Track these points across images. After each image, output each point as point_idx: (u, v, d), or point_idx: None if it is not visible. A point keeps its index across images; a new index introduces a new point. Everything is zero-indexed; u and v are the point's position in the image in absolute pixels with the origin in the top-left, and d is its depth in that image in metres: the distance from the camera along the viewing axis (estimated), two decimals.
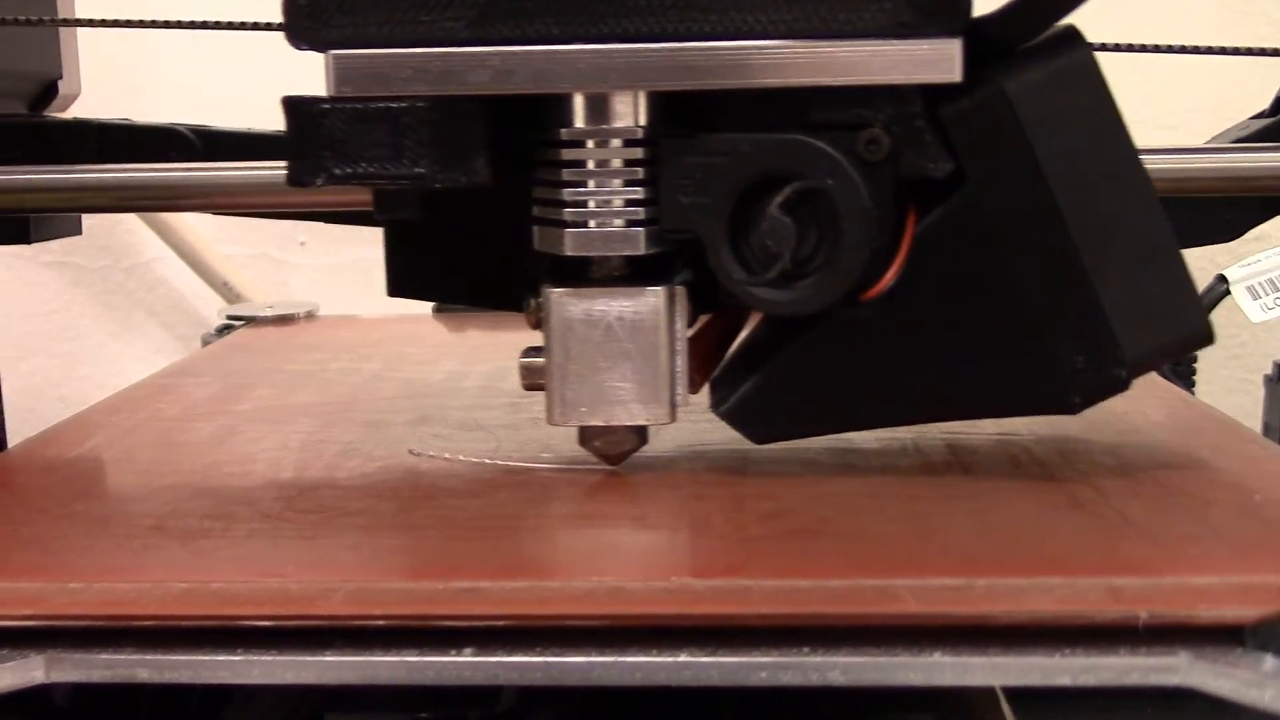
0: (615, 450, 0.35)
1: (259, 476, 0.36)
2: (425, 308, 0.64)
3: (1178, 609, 0.27)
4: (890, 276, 0.33)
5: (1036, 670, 0.27)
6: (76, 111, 0.53)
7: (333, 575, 0.28)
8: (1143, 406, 0.43)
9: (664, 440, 0.39)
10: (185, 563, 0.29)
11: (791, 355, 0.34)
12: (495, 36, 0.31)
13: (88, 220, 0.54)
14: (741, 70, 0.31)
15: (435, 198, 0.33)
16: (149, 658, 0.28)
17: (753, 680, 0.27)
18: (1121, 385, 0.34)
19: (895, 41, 0.31)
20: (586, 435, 0.35)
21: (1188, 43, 0.43)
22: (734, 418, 0.35)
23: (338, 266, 0.81)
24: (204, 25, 0.44)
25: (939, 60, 0.31)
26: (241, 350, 0.57)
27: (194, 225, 0.79)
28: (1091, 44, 0.33)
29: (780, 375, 0.34)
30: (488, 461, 0.37)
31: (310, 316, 0.64)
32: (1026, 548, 0.30)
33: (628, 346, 0.33)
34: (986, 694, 0.33)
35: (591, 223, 0.33)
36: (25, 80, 0.51)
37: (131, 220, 0.79)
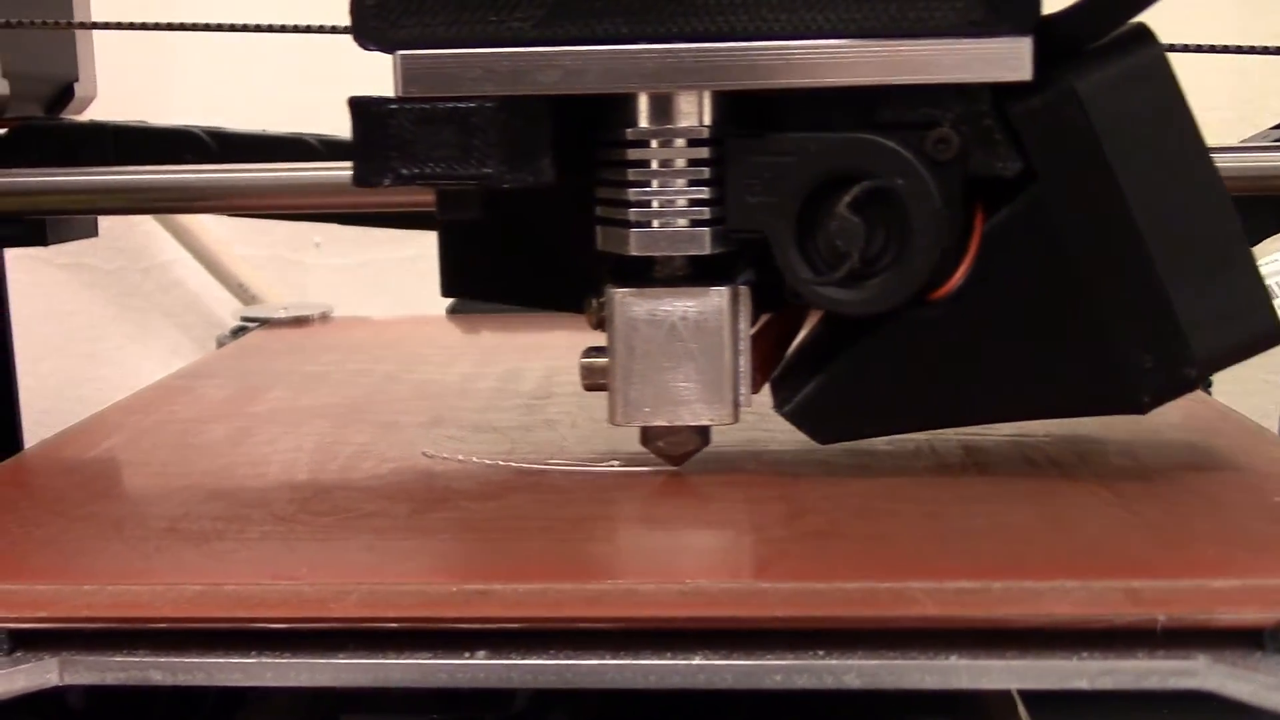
0: (679, 451, 0.35)
1: (273, 478, 0.36)
2: (438, 309, 0.64)
3: (1196, 612, 0.27)
4: (960, 276, 0.33)
5: (1053, 673, 0.27)
6: (92, 114, 0.53)
7: (346, 578, 0.28)
8: (1160, 407, 0.42)
9: None
10: (199, 565, 0.29)
11: (856, 355, 0.34)
12: (563, 36, 0.31)
13: (104, 222, 0.54)
14: (812, 69, 0.31)
15: (495, 198, 0.33)
16: (163, 660, 0.28)
17: (767, 683, 0.27)
18: (1191, 385, 0.33)
19: (966, 40, 0.31)
20: (649, 435, 0.35)
21: (1204, 41, 0.43)
22: (798, 418, 0.35)
23: (352, 267, 0.81)
24: (220, 28, 0.44)
25: (1010, 59, 0.31)
26: (256, 352, 0.57)
27: (210, 227, 0.79)
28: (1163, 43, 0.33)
29: (844, 375, 0.34)
30: (501, 463, 0.37)
31: (325, 318, 0.64)
32: (1043, 550, 0.29)
33: (692, 346, 0.33)
34: (1003, 697, 0.33)
35: (656, 222, 0.33)
36: (42, 83, 0.51)
37: (147, 222, 0.79)
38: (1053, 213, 0.32)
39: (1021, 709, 0.32)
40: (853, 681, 0.27)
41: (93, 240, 0.53)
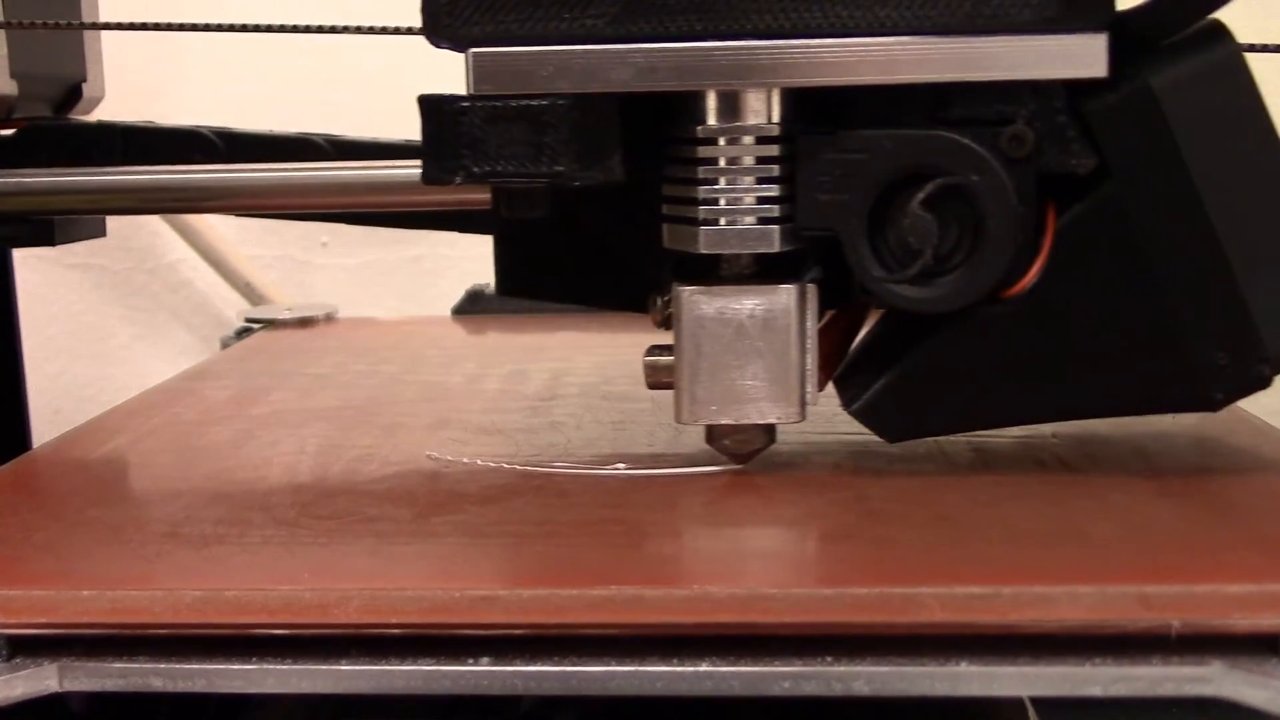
0: (745, 449, 0.35)
1: (275, 482, 0.35)
2: (445, 308, 0.64)
3: (1211, 617, 0.26)
4: (1034, 273, 0.33)
5: (1066, 680, 0.26)
6: (101, 114, 0.52)
7: (348, 583, 0.28)
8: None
9: (691, 438, 0.39)
10: (199, 570, 0.29)
11: (926, 352, 0.34)
12: (637, 34, 0.31)
13: (112, 222, 0.54)
14: (888, 66, 0.31)
15: (559, 196, 0.33)
16: (162, 666, 0.27)
17: (775, 690, 0.27)
18: (1264, 382, 0.33)
19: (1041, 36, 0.31)
20: (715, 434, 0.35)
21: None
22: (866, 415, 0.35)
23: (359, 267, 0.81)
24: (230, 28, 0.43)
25: (1085, 55, 0.31)
26: (260, 353, 0.57)
27: (217, 227, 0.79)
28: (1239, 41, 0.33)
29: (914, 372, 0.34)
30: (505, 466, 0.37)
31: (329, 319, 0.64)
32: (1055, 554, 0.29)
33: (759, 344, 0.33)
34: (1015, 704, 0.32)
35: (725, 220, 0.33)
36: (50, 83, 0.51)
37: (155, 222, 0.79)
38: (1127, 210, 0.32)
39: (1033, 716, 0.32)
40: (861, 688, 0.26)
41: (101, 240, 0.53)
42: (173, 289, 0.82)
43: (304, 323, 0.63)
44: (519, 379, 0.49)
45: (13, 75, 0.46)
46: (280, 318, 0.63)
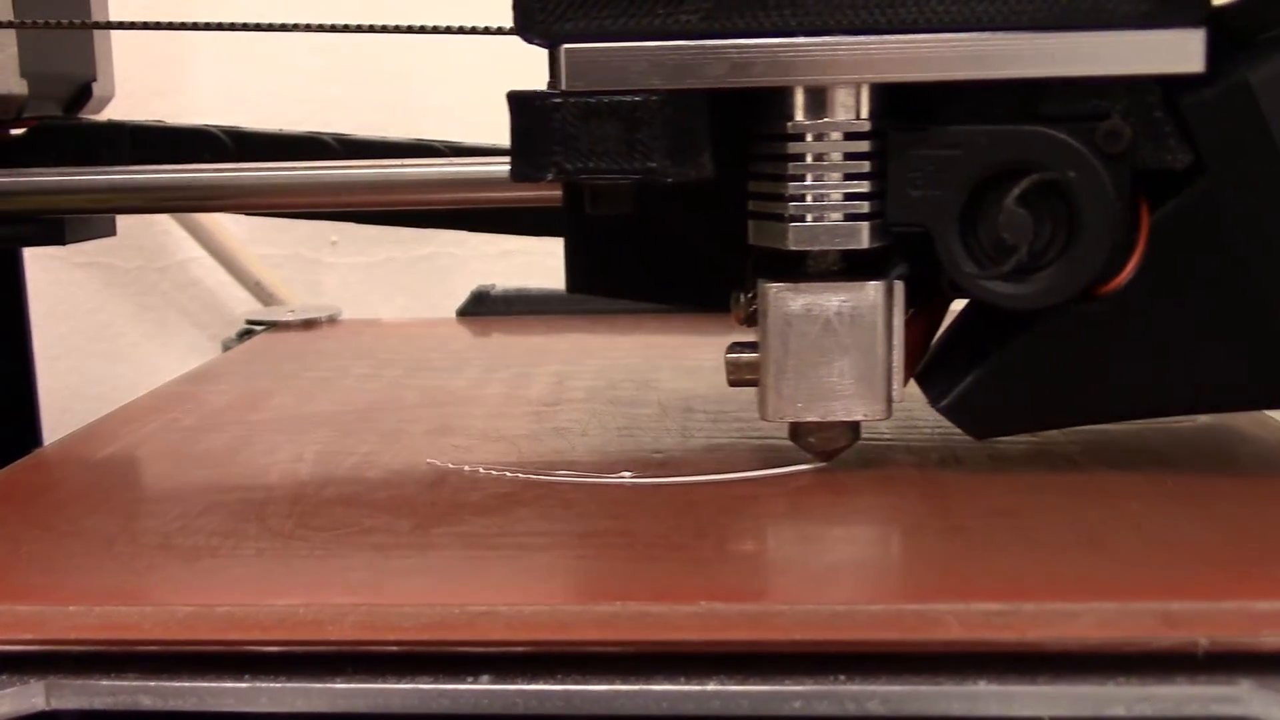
0: (830, 447, 0.35)
1: (271, 491, 0.35)
2: (453, 308, 0.63)
3: (1239, 635, 0.25)
4: (1130, 270, 0.33)
5: (1088, 700, 0.25)
6: (110, 114, 0.52)
7: (344, 597, 0.27)
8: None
9: (698, 445, 0.38)
10: (191, 584, 0.28)
11: (1017, 349, 0.34)
12: (730, 29, 0.31)
13: (122, 221, 0.54)
14: (984, 62, 0.31)
15: (644, 193, 0.34)
16: (152, 684, 0.26)
17: (785, 710, 0.26)
18: None
19: (1138, 32, 0.31)
20: (800, 431, 0.35)
21: None
22: (954, 412, 0.34)
23: (369, 266, 0.81)
24: (242, 27, 0.43)
25: (1181, 51, 0.31)
26: (261, 356, 0.56)
27: (227, 226, 0.79)
28: None
29: (1004, 369, 0.34)
30: (508, 475, 0.36)
31: (333, 321, 0.63)
32: (1075, 568, 0.28)
33: (846, 341, 0.33)
34: None
35: (815, 217, 0.33)
36: (60, 83, 0.51)
37: (165, 221, 0.79)
38: (1223, 205, 0.32)
39: None
40: (876, 708, 0.25)
41: (111, 239, 0.54)
42: (182, 288, 0.82)
43: (307, 325, 0.62)
44: (523, 383, 0.48)
45: (23, 75, 0.46)
46: (283, 319, 0.62)
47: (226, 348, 0.61)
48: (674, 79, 0.32)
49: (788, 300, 0.33)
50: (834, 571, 0.29)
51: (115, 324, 0.82)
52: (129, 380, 0.80)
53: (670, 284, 0.39)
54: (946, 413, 0.35)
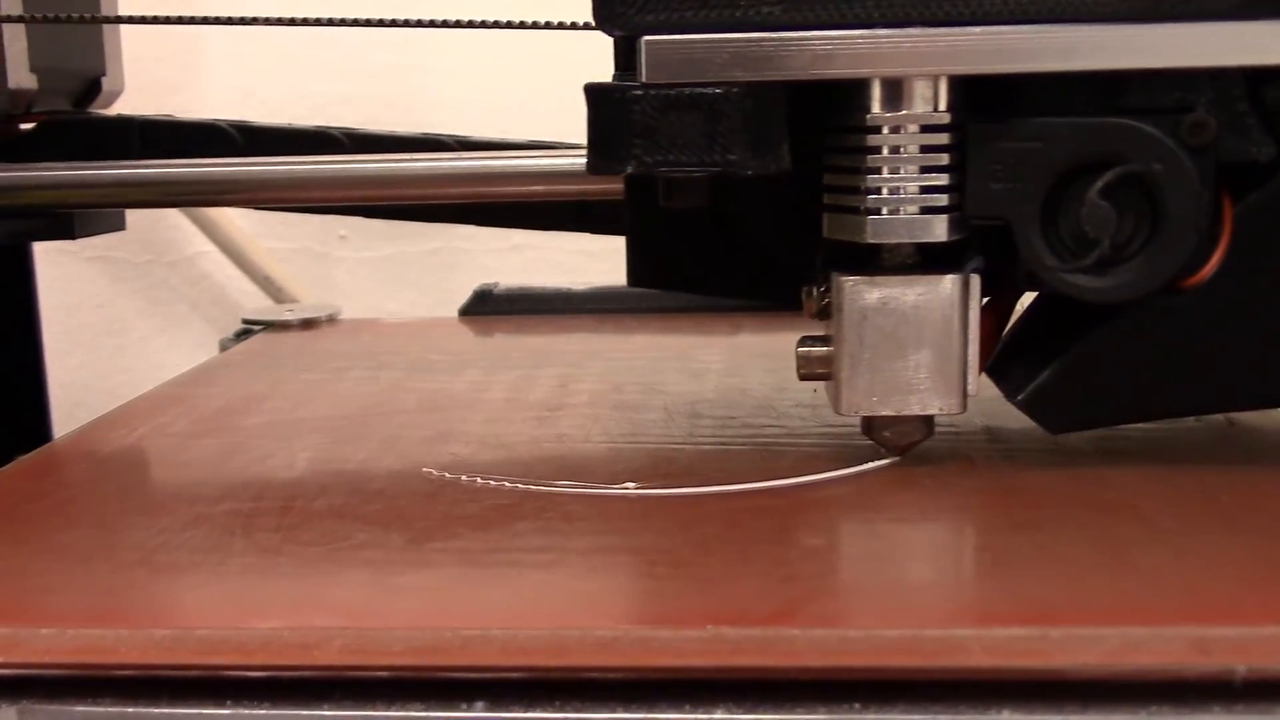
0: (904, 441, 0.35)
1: (260, 503, 0.33)
2: (457, 306, 0.61)
3: (1278, 663, 0.24)
4: (1214, 262, 0.32)
5: None
6: (119, 108, 0.53)
7: (332, 619, 0.26)
8: (1222, 421, 0.39)
9: (697, 452, 0.36)
10: (171, 604, 0.27)
11: (1097, 342, 0.34)
12: (812, 21, 0.31)
13: (131, 216, 0.54)
14: (1067, 54, 0.31)
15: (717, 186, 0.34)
16: (129, 710, 0.25)
17: None
18: None
19: (1224, 23, 0.31)
20: (874, 425, 0.35)
21: None
22: (1031, 406, 0.34)
23: (378, 260, 0.81)
24: (252, 21, 0.43)
25: (1270, 43, 0.31)
26: (256, 357, 0.54)
27: (236, 220, 0.79)
28: None
29: (1083, 363, 0.34)
30: (507, 485, 0.34)
31: (332, 320, 0.62)
32: (1103, 589, 0.26)
33: (922, 335, 0.33)
34: None
35: (893, 210, 0.33)
36: (69, 77, 0.51)
37: (174, 216, 0.79)
38: None
39: None
40: None
41: (120, 234, 0.54)
42: (192, 282, 0.82)
43: (306, 324, 0.61)
44: (525, 386, 0.46)
45: (33, 70, 0.47)
46: (280, 319, 0.60)
47: (224, 348, 0.59)
48: (755, 71, 0.31)
49: (863, 293, 0.33)
50: (849, 593, 0.27)
51: (125, 318, 0.82)
52: (139, 374, 0.80)
53: (732, 278, 0.39)
54: (1024, 406, 0.34)
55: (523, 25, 0.42)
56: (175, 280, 0.82)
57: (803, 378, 0.34)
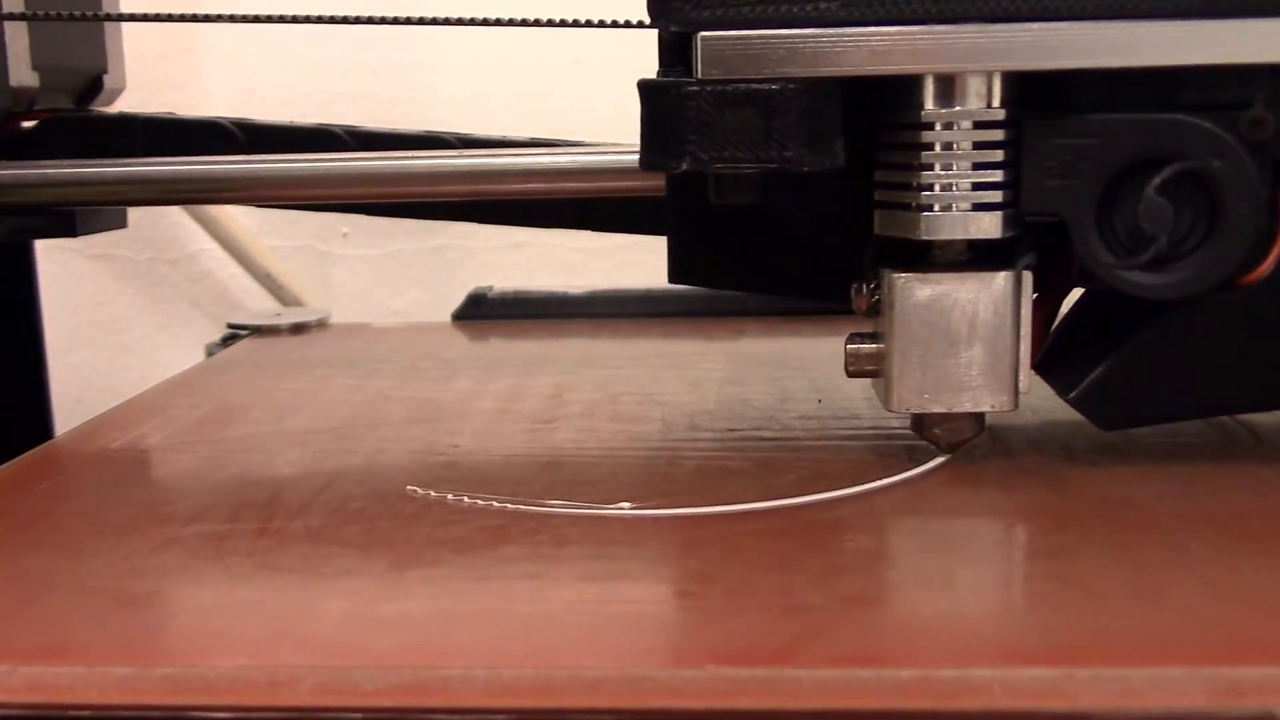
0: (955, 439, 0.34)
1: (233, 524, 0.31)
2: (444, 315, 0.60)
3: None
4: (1273, 259, 0.32)
5: None
6: (121, 105, 0.52)
7: (303, 655, 0.24)
8: (1251, 436, 0.38)
9: (696, 468, 0.34)
10: (132, 639, 0.25)
11: (1152, 339, 0.33)
12: (869, 17, 0.31)
13: (133, 214, 0.54)
14: (1125, 50, 0.31)
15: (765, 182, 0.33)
16: None
17: None
18: None
19: None
20: (925, 423, 0.34)
21: None
22: (1085, 403, 0.34)
23: (380, 258, 0.80)
24: (254, 19, 0.42)
25: None
26: (242, 364, 0.53)
27: (238, 218, 0.78)
28: None
29: (1138, 359, 0.34)
30: (495, 505, 0.32)
31: (322, 325, 0.60)
32: (1132, 624, 0.25)
33: (974, 332, 0.33)
34: None
35: (948, 206, 0.32)
36: (71, 75, 0.51)
37: (176, 213, 0.79)
38: None
39: None
40: None
41: (122, 231, 0.53)
42: (194, 280, 0.81)
43: (296, 329, 0.59)
44: (518, 395, 0.44)
45: (34, 67, 0.46)
46: (266, 324, 0.59)
47: (210, 353, 0.58)
48: (812, 67, 0.31)
49: (915, 290, 0.33)
50: (859, 628, 0.25)
51: (126, 316, 0.81)
52: (140, 372, 0.79)
53: (775, 274, 0.39)
54: (1076, 403, 0.34)
55: (522, 22, 0.41)
56: (177, 278, 0.81)
57: (851, 374, 0.34)
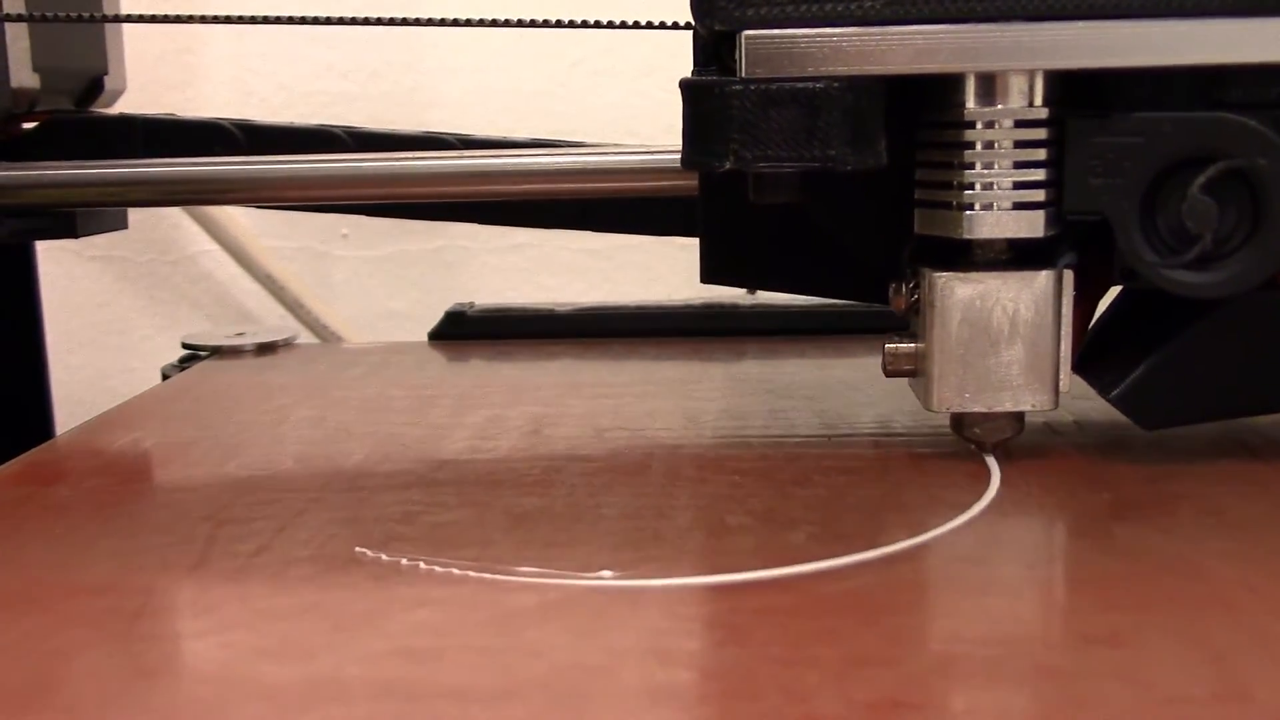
0: (995, 438, 0.34)
1: (145, 602, 0.27)
2: (420, 333, 0.56)
3: None
4: None
5: None
6: (122, 106, 0.52)
7: None
8: None
9: (690, 525, 0.30)
10: None
11: (1195, 338, 0.33)
12: (914, 15, 0.31)
13: (133, 215, 0.54)
14: (1169, 49, 0.31)
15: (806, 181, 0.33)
16: None
17: None
18: None
19: None
20: (965, 422, 0.34)
21: None
22: (1126, 402, 0.34)
23: (380, 259, 0.80)
24: (253, 20, 0.42)
25: None
26: (195, 390, 0.48)
27: (238, 219, 0.78)
28: None
29: (1180, 358, 0.33)
30: (456, 572, 0.28)
31: (288, 345, 0.55)
32: None
33: (1015, 331, 0.33)
34: None
35: (990, 205, 0.32)
36: (71, 77, 0.51)
37: (176, 214, 0.79)
38: None
39: None
40: None
41: (123, 233, 0.54)
42: (194, 281, 0.81)
43: (261, 349, 0.54)
44: (494, 431, 0.40)
45: (35, 69, 0.47)
46: (226, 345, 0.54)
47: (166, 375, 0.53)
48: (856, 65, 0.31)
49: (956, 289, 0.33)
50: None
51: (127, 317, 0.82)
52: (141, 374, 0.78)
53: (810, 274, 0.39)
54: (1118, 403, 0.34)
55: (521, 23, 0.41)
56: (177, 279, 0.81)
57: (889, 374, 0.34)
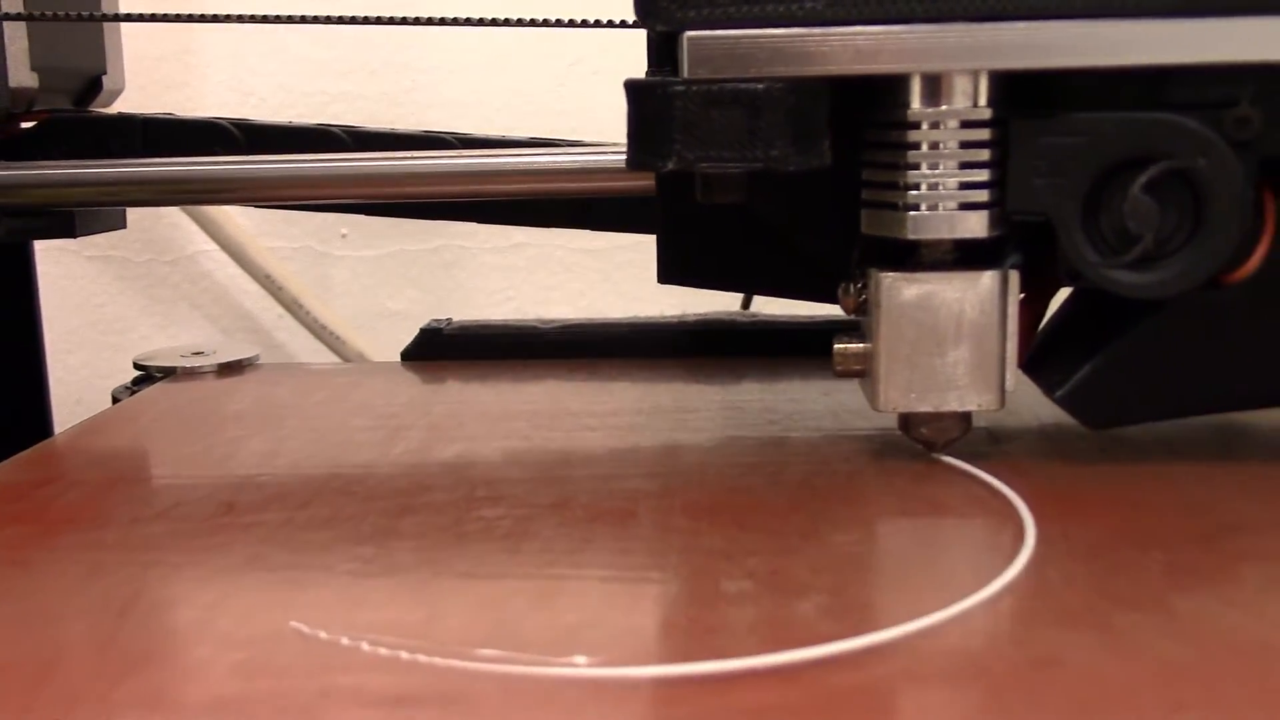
0: (942, 438, 0.34)
1: (50, 670, 0.23)
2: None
3: None
4: (1259, 257, 0.32)
5: None
6: (121, 106, 0.52)
7: None
8: None
9: (677, 596, 0.26)
10: None
11: (1138, 337, 0.33)
12: (855, 16, 0.31)
13: (132, 214, 0.54)
14: (1111, 49, 0.31)
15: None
16: None
17: None
18: None
19: (1269, 18, 0.30)
20: (912, 422, 0.34)
21: None
22: (1071, 402, 0.34)
23: (379, 259, 0.80)
24: (252, 19, 0.42)
25: None
26: (141, 418, 0.44)
27: (237, 218, 0.78)
28: None
29: (1124, 358, 0.34)
30: (404, 656, 0.24)
31: (251, 366, 0.51)
32: None
33: (961, 331, 0.33)
34: None
35: (928, 205, 0.32)
36: (70, 76, 0.51)
37: (175, 214, 0.79)
38: None
39: None
40: None
41: (121, 232, 0.53)
42: (193, 280, 0.81)
43: (223, 370, 0.50)
44: (461, 471, 0.36)
45: (33, 68, 0.46)
46: (182, 366, 0.50)
47: (117, 398, 0.49)
48: (798, 66, 0.31)
49: (902, 290, 0.33)
50: None
51: (126, 317, 0.82)
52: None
53: (764, 273, 0.39)
54: (1063, 403, 0.34)
55: (520, 23, 0.41)
56: (176, 278, 0.81)
57: (839, 374, 0.34)
